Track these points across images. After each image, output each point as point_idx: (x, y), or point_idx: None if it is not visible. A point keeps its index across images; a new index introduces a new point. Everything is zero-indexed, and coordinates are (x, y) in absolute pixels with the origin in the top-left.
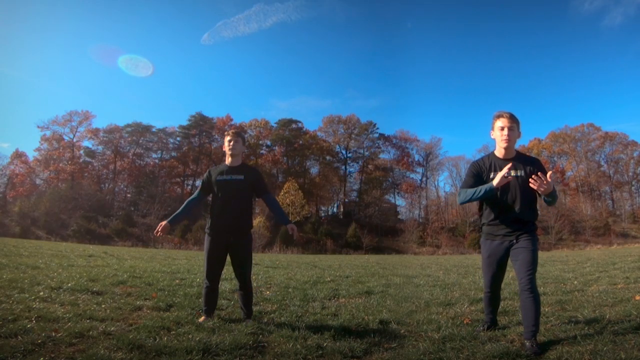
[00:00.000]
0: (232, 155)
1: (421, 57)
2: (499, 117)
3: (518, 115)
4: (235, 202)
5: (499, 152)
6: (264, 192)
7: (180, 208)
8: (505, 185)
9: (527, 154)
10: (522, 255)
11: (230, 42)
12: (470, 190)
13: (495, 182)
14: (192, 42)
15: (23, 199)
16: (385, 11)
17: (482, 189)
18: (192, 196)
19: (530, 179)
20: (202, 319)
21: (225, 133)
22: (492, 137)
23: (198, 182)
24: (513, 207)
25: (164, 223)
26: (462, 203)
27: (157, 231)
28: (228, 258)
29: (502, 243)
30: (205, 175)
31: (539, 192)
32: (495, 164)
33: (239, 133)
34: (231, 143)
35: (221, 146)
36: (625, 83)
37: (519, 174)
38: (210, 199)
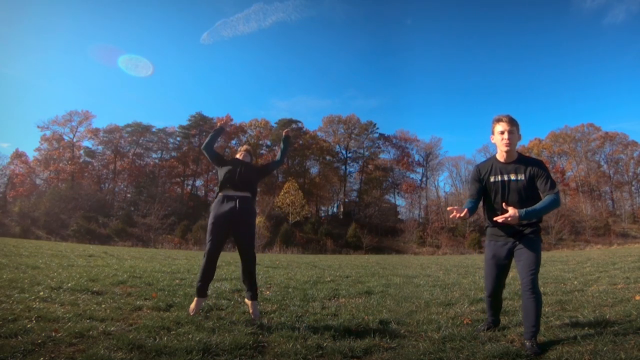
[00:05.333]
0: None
1: (421, 57)
2: (498, 121)
3: (518, 115)
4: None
5: (501, 156)
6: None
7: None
8: (505, 189)
9: (530, 155)
10: (525, 255)
11: (230, 41)
12: (469, 203)
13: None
14: (192, 41)
15: (23, 199)
16: (385, 10)
17: (470, 203)
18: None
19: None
20: (193, 304)
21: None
22: (493, 141)
23: (198, 182)
24: (514, 207)
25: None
26: (468, 208)
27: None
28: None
29: (506, 244)
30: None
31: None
32: (496, 167)
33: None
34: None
35: (221, 146)
36: (626, 82)
37: (519, 177)
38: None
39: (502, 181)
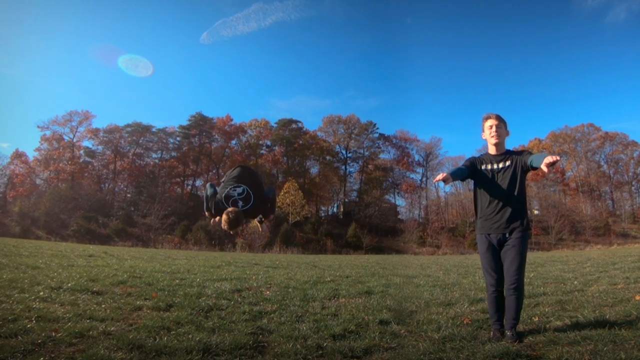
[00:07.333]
0: None
1: (421, 57)
2: (487, 118)
3: (518, 115)
4: None
5: (491, 150)
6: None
7: None
8: (495, 176)
9: (516, 149)
10: (511, 255)
11: (230, 41)
12: (455, 168)
13: (436, 178)
14: (192, 41)
15: (23, 199)
16: (385, 10)
17: (456, 168)
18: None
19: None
20: None
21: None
22: (484, 137)
23: (198, 182)
24: (502, 195)
25: None
26: (450, 172)
27: None
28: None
29: (497, 235)
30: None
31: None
32: (487, 158)
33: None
34: None
35: (221, 146)
36: (626, 82)
37: (507, 164)
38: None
39: (492, 169)
